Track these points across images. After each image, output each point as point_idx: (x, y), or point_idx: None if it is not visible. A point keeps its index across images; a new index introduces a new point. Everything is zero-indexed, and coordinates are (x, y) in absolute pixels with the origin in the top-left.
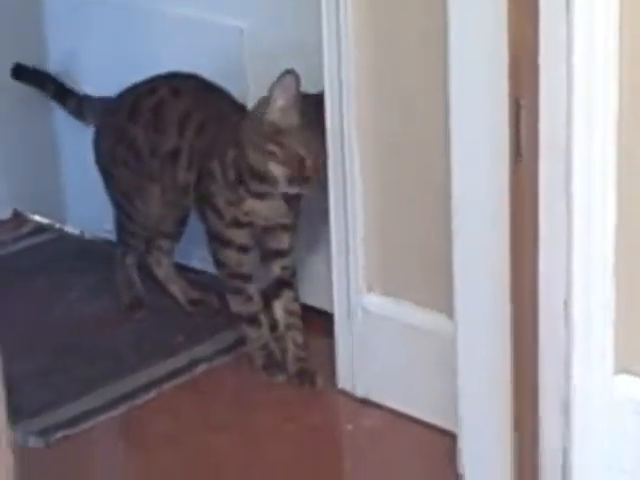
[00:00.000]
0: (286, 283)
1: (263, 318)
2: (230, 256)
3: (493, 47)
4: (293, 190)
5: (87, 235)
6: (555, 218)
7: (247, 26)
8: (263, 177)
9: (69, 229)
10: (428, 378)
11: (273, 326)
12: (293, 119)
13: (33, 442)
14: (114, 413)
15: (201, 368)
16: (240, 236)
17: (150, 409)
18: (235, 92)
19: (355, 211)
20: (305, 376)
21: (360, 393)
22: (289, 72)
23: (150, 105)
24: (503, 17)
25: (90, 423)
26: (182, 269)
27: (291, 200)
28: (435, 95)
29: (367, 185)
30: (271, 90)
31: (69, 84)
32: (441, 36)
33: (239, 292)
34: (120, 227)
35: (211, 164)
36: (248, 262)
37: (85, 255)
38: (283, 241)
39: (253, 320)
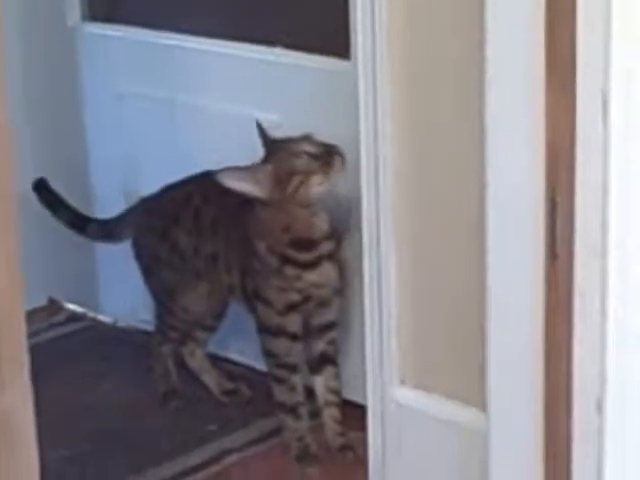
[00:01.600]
0: (329, 359)
1: (303, 410)
2: (280, 345)
3: (530, 145)
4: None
5: (120, 324)
6: (590, 317)
7: (285, 120)
8: (310, 240)
9: (103, 318)
10: (460, 472)
11: (313, 413)
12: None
13: None
14: None
15: (233, 458)
16: (292, 322)
17: None
18: None
19: (389, 304)
20: (347, 449)
21: None
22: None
23: (187, 211)
24: (540, 116)
25: None
26: (217, 359)
27: (333, 258)
28: (471, 192)
29: (401, 278)
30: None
31: (108, 183)
32: (478, 136)
33: (283, 382)
34: (159, 319)
35: (251, 261)
36: (297, 352)
37: (119, 344)
38: (334, 310)
39: (294, 410)
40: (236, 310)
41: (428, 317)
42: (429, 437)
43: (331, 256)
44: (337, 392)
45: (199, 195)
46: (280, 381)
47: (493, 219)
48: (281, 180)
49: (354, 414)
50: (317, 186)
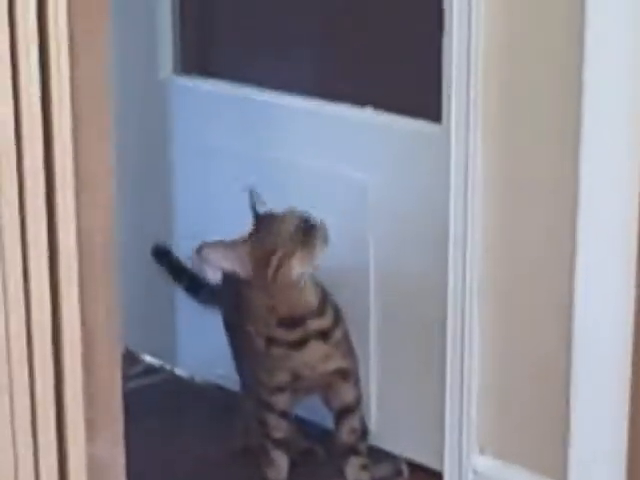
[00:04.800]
0: (353, 450)
1: None
2: (268, 420)
3: (624, 196)
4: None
5: (197, 379)
6: None
7: (372, 180)
8: (295, 318)
9: (179, 371)
10: None
11: None
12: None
13: None
14: None
15: None
16: (281, 402)
17: None
18: (355, 247)
19: (471, 370)
20: None
21: None
22: None
23: None
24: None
25: None
26: (292, 418)
27: (327, 337)
28: (560, 255)
29: (484, 344)
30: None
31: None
32: (572, 206)
33: (266, 454)
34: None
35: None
36: (286, 429)
37: (195, 398)
38: (346, 393)
39: None
40: None
41: (510, 385)
42: None
43: (324, 334)
44: None
45: None
46: (263, 453)
47: (581, 283)
48: (261, 260)
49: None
50: (298, 268)
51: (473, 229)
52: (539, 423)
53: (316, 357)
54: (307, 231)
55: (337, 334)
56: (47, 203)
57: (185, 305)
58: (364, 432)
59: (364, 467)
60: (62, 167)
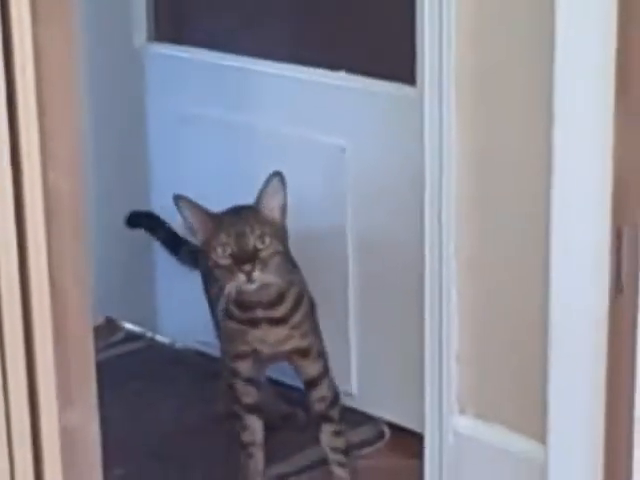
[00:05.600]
0: (325, 417)
1: (256, 451)
2: (236, 386)
3: (597, 174)
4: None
5: (178, 345)
6: None
7: (349, 145)
8: (243, 302)
9: (160, 338)
10: None
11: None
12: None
13: None
14: None
15: None
16: (244, 369)
17: None
18: (333, 212)
19: (450, 331)
20: None
21: None
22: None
23: None
24: (609, 145)
25: None
26: (274, 383)
27: (282, 322)
28: (536, 221)
29: (462, 306)
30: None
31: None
32: (544, 166)
33: (240, 419)
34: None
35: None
36: (255, 394)
37: (176, 364)
38: (307, 368)
39: (245, 448)
40: None
41: (489, 346)
42: (487, 467)
43: (279, 320)
44: (340, 450)
45: None
46: (237, 418)
47: (557, 250)
48: (210, 243)
49: (411, 442)
50: (233, 289)
51: (448, 190)
52: (519, 383)
53: (271, 338)
54: (245, 254)
55: (295, 318)
56: (12, 164)
57: (165, 272)
58: (335, 399)
59: (337, 433)
60: (26, 130)
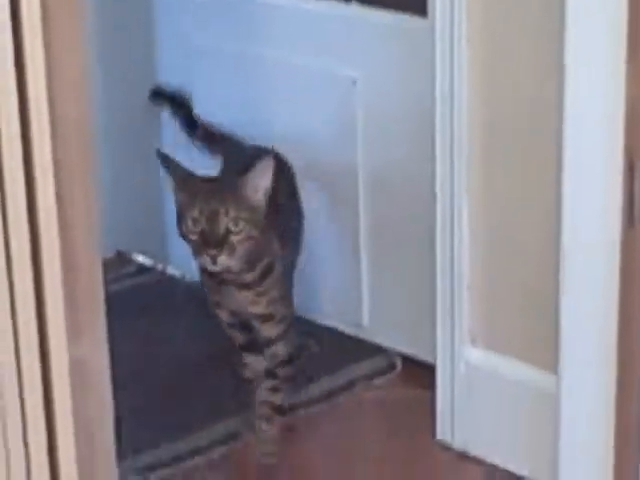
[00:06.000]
0: (270, 373)
1: (259, 384)
2: (224, 328)
3: (609, 107)
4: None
5: (188, 278)
6: None
7: (360, 76)
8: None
9: (171, 271)
10: (529, 434)
11: None
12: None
13: None
14: (211, 455)
15: (299, 413)
16: (223, 315)
17: (248, 453)
18: (344, 144)
19: (461, 263)
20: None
21: (458, 446)
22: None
23: None
24: (621, 78)
25: (188, 464)
26: None
27: (249, 287)
28: (548, 155)
29: (475, 236)
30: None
31: None
32: (556, 96)
33: (238, 355)
34: None
35: None
36: (244, 337)
37: (186, 298)
38: (267, 330)
39: (248, 382)
40: (308, 269)
41: (501, 278)
42: (498, 399)
43: (245, 285)
44: (273, 406)
45: None
46: (237, 354)
47: (569, 183)
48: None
49: (422, 373)
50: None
51: (459, 122)
52: (530, 314)
53: (238, 299)
54: (215, 235)
55: (263, 286)
56: (19, 92)
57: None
58: (287, 360)
59: (275, 389)
60: (32, 54)
